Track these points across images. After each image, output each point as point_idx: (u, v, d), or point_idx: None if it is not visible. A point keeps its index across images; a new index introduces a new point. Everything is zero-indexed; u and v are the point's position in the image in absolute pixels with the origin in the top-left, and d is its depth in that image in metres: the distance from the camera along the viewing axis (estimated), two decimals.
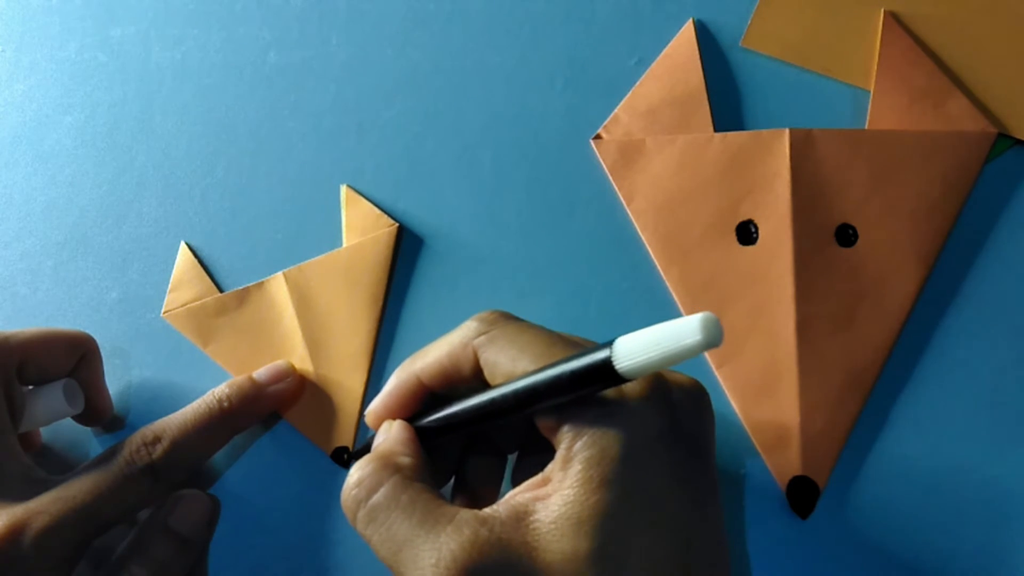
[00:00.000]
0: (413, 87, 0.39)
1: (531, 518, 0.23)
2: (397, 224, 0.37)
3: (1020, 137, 0.34)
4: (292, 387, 0.35)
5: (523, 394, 0.24)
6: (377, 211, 0.37)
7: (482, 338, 0.26)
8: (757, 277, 0.33)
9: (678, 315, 0.34)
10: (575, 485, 0.22)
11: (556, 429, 0.24)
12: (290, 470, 0.35)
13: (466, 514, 0.23)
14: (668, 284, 0.34)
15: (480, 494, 0.30)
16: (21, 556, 0.28)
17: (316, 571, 0.34)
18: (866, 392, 0.32)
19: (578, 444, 0.23)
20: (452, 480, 0.30)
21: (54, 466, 0.36)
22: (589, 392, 0.23)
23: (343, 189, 0.38)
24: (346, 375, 0.35)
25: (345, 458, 0.35)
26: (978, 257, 0.33)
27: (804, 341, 0.32)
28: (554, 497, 0.23)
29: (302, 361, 0.36)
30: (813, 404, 0.32)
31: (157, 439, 0.31)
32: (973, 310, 0.33)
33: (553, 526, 0.22)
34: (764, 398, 0.32)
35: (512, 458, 0.30)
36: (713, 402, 0.26)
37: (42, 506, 0.29)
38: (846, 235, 0.33)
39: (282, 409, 0.35)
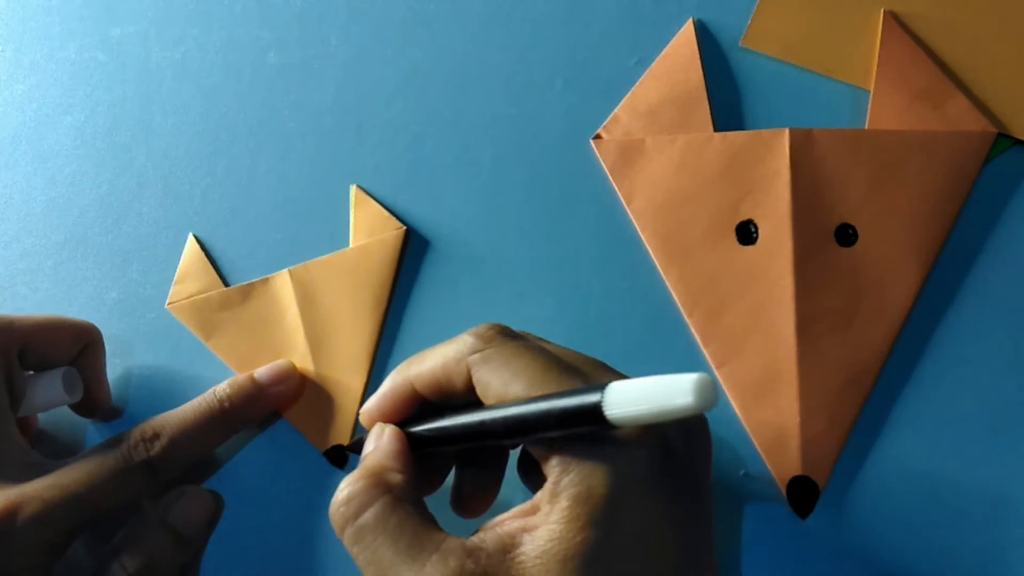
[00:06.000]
0: (413, 87, 0.39)
1: (517, 550, 0.23)
2: (405, 227, 0.36)
3: (1020, 137, 0.34)
4: (293, 388, 0.35)
5: (512, 423, 0.24)
6: (386, 213, 0.37)
7: (476, 356, 0.26)
8: (757, 277, 0.33)
9: (678, 315, 0.34)
10: (561, 521, 0.22)
11: (546, 458, 0.24)
12: (287, 470, 0.35)
13: (452, 543, 0.23)
14: (668, 284, 0.34)
15: (478, 496, 0.29)
16: (12, 537, 0.28)
17: (312, 572, 0.34)
18: (866, 392, 0.32)
19: (566, 479, 0.23)
20: (450, 476, 0.30)
21: (49, 452, 0.36)
22: (577, 432, 0.23)
23: (353, 189, 0.37)
24: (346, 375, 0.35)
25: (343, 452, 0.35)
26: (978, 257, 0.33)
27: (804, 341, 0.32)
28: (540, 531, 0.23)
29: (303, 359, 0.36)
30: (813, 404, 0.32)
31: (156, 435, 0.32)
32: (973, 310, 0.33)
33: (539, 561, 0.22)
34: (764, 398, 0.32)
35: (515, 452, 0.30)
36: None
37: (36, 491, 0.29)
38: (846, 235, 0.33)
39: (281, 408, 0.35)
